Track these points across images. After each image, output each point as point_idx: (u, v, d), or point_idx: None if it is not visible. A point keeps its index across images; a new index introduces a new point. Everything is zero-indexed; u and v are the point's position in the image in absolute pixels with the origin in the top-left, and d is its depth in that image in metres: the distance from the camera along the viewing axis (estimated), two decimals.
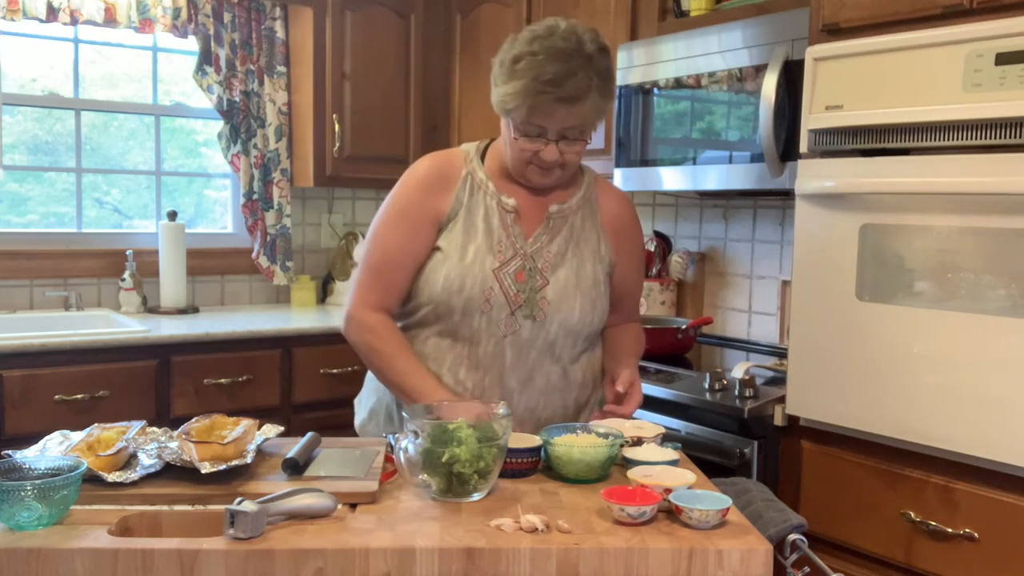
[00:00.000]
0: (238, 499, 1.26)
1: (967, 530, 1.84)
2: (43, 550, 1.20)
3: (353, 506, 1.37)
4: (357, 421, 1.98)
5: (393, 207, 1.80)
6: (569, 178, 1.84)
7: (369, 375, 1.94)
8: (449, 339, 1.77)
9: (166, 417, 2.94)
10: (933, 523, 1.89)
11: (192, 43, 3.54)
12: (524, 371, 1.76)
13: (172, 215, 3.48)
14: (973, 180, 1.79)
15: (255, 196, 3.65)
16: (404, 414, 1.44)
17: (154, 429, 1.62)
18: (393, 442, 1.47)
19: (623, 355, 1.88)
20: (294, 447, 1.53)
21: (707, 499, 1.34)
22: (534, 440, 1.56)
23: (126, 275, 3.43)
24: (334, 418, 3.10)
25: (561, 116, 1.67)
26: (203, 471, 1.39)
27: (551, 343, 1.77)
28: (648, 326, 2.87)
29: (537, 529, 1.28)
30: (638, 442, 1.61)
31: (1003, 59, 1.74)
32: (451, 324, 1.76)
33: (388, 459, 1.53)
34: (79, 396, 2.80)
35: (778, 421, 2.19)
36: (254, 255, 3.69)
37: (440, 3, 3.84)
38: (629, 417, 1.76)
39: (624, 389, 1.75)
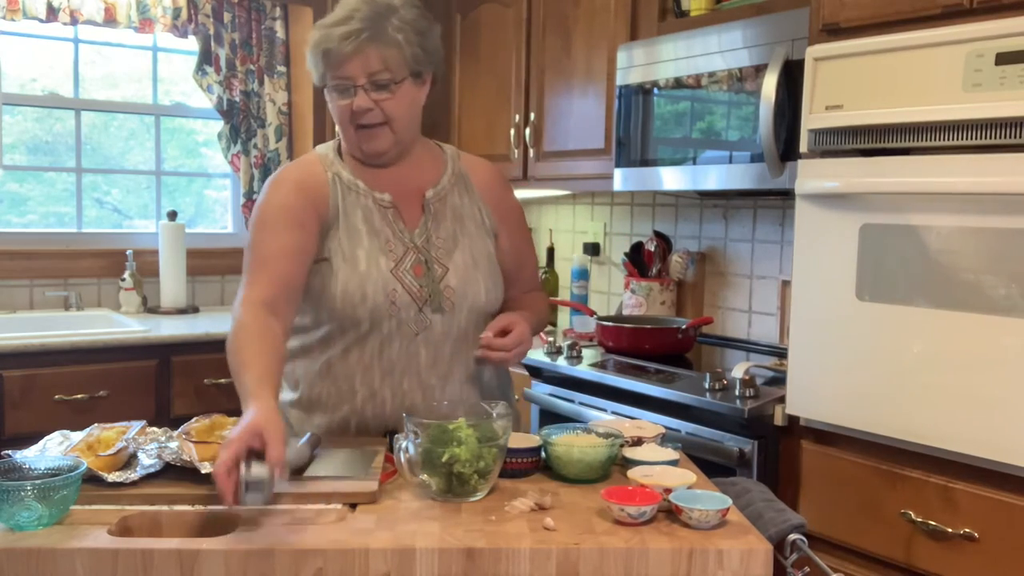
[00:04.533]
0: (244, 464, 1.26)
1: (967, 530, 1.84)
2: (43, 550, 1.20)
3: (353, 506, 1.37)
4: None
5: (270, 210, 1.69)
6: (431, 161, 1.82)
7: None
8: (357, 351, 1.70)
9: (166, 417, 2.94)
10: (933, 523, 1.89)
11: (192, 43, 3.54)
12: (443, 366, 1.73)
13: (172, 215, 3.49)
14: (973, 180, 1.79)
15: (255, 196, 3.65)
16: (404, 414, 1.44)
17: (154, 429, 1.62)
18: (393, 442, 1.47)
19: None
20: (294, 447, 1.53)
21: (707, 499, 1.34)
22: (534, 440, 1.56)
23: (126, 275, 3.43)
24: None
25: (350, 54, 1.64)
26: (203, 471, 1.39)
27: (464, 332, 1.73)
28: (648, 326, 2.89)
29: (534, 508, 1.34)
30: (638, 442, 1.61)
31: (1003, 59, 1.74)
32: (358, 335, 1.69)
33: (388, 459, 1.53)
34: (79, 396, 2.80)
35: (778, 421, 2.19)
36: None
37: (440, 3, 3.83)
38: (510, 360, 1.74)
39: (501, 326, 1.70)
